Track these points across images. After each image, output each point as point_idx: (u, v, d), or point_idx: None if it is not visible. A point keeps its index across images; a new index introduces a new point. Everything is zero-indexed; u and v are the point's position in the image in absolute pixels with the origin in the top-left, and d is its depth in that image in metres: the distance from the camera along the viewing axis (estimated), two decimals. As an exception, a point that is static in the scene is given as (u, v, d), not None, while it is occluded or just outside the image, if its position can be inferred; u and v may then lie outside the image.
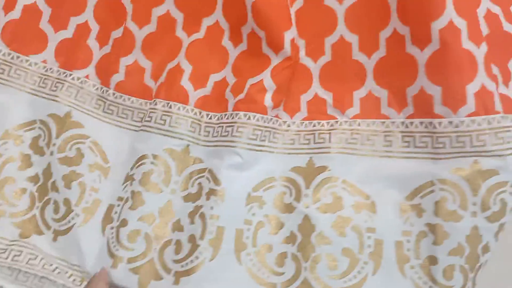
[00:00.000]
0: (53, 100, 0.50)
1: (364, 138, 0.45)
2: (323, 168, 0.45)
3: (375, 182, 0.44)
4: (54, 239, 0.46)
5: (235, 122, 0.46)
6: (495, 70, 0.44)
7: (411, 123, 0.44)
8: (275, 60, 0.47)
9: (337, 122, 0.46)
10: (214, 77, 0.50)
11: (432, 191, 0.42)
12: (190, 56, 0.49)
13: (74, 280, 0.44)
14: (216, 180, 0.45)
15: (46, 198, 0.47)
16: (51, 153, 0.48)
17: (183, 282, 0.43)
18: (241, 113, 0.46)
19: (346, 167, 0.45)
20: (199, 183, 0.46)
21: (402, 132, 0.45)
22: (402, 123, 0.45)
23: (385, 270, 0.42)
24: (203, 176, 0.46)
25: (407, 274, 0.41)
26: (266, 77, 0.47)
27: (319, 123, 0.47)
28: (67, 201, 0.47)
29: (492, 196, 0.40)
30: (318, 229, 0.43)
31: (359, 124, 0.46)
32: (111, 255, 0.44)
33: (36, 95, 0.50)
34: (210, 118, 0.49)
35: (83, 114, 0.50)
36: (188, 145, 0.48)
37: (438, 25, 0.41)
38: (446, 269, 0.40)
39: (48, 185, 0.47)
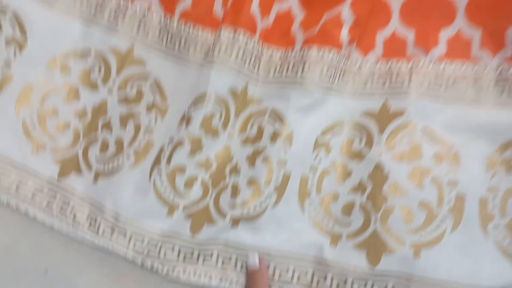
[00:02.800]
0: (113, 30, 0.45)
1: (450, 83, 0.40)
2: (399, 113, 0.40)
3: (460, 132, 0.39)
4: (94, 181, 0.42)
5: (305, 60, 0.41)
6: None
7: (508, 67, 0.39)
8: None
9: (418, 63, 0.41)
10: (278, 7, 0.45)
11: (527, 145, 0.37)
12: None
13: (103, 231, 0.41)
14: (282, 123, 0.41)
15: (93, 136, 0.44)
16: (109, 91, 0.44)
17: (242, 227, 0.40)
18: (314, 49, 0.41)
19: (426, 114, 0.40)
20: (259, 125, 0.42)
21: (495, 78, 0.39)
22: (497, 67, 0.40)
23: (465, 228, 0.38)
24: (263, 118, 0.42)
25: (490, 234, 0.37)
26: (344, 9, 0.42)
27: (397, 63, 0.42)
28: (119, 142, 0.43)
29: None
30: (391, 179, 0.39)
31: (444, 67, 0.41)
32: (165, 202, 0.41)
33: (92, 22, 0.45)
34: (272, 54, 0.44)
35: (146, 49, 0.45)
36: (247, 84, 0.43)
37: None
38: (536, 230, 0.36)
39: (98, 123, 0.44)
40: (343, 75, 0.42)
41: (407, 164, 0.39)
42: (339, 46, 0.42)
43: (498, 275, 0.37)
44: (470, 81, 0.40)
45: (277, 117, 0.41)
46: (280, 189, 0.40)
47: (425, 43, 0.42)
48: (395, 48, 0.43)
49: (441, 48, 0.41)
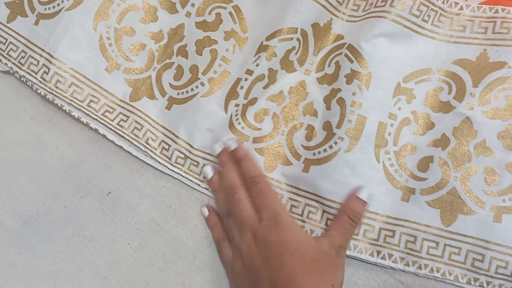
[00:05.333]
0: None
1: None
2: (500, 64, 0.36)
3: None
4: (168, 107, 0.41)
5: None
6: None
7: None
8: None
9: (530, 10, 0.36)
10: None
11: None
12: None
13: (177, 158, 0.40)
14: (361, 61, 0.38)
15: (168, 61, 0.43)
16: (188, 14, 0.43)
17: (313, 170, 0.38)
18: None
19: (532, 68, 0.36)
20: (337, 62, 0.39)
21: None
22: None
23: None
24: (341, 53, 0.39)
25: None
26: None
27: (503, 9, 0.37)
28: (194, 68, 0.42)
29: None
30: (480, 137, 0.36)
31: (561, 16, 0.36)
32: (235, 132, 0.40)
33: None
34: None
35: None
36: (331, 19, 0.40)
37: None
38: None
39: (174, 47, 0.43)
40: (439, 16, 0.38)
41: (500, 122, 0.36)
42: None
43: None
44: None
45: (357, 54, 0.38)
46: (355, 134, 0.37)
47: (542, -12, 0.37)
48: (504, -8, 0.38)
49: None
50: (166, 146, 0.40)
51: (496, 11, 0.37)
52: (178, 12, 0.43)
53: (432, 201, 0.36)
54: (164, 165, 0.41)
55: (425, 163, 0.37)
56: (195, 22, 0.43)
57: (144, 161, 0.41)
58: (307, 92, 0.40)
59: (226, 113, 0.40)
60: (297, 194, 0.38)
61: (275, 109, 0.40)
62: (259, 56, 0.40)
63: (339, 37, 0.40)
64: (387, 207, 0.37)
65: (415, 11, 0.38)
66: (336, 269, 0.34)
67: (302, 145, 0.39)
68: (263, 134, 0.40)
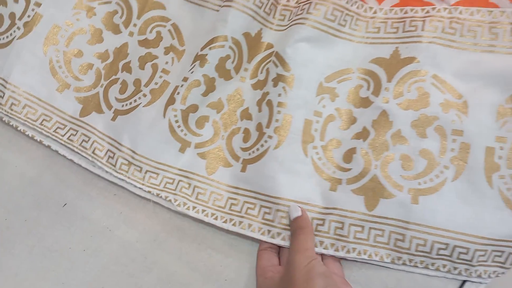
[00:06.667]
0: None
1: (465, 29, 0.39)
2: (410, 60, 0.39)
3: (472, 80, 0.38)
4: (113, 119, 0.44)
5: (312, 1, 0.41)
6: None
7: (527, 12, 0.37)
8: None
9: (434, 8, 0.40)
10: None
11: (541, 93, 0.36)
12: None
13: (121, 165, 0.43)
14: (284, 65, 0.41)
15: (114, 77, 0.46)
16: (131, 34, 0.46)
17: (249, 169, 0.41)
18: None
19: (438, 61, 0.39)
20: (267, 69, 0.43)
21: None
22: (515, 11, 0.38)
23: (468, 177, 0.37)
24: (270, 61, 0.42)
25: (494, 184, 0.36)
26: None
27: (412, 9, 0.41)
28: (137, 81, 0.45)
29: None
30: (395, 127, 0.39)
31: (460, 12, 0.39)
32: (178, 139, 0.43)
33: None
34: (288, 1, 0.44)
35: None
36: (261, 29, 0.44)
37: None
38: (543, 181, 0.35)
39: (119, 65, 0.46)
40: (356, 20, 0.42)
41: (413, 112, 0.39)
42: None
43: (499, 224, 0.36)
44: (485, 27, 0.38)
45: (281, 60, 0.41)
46: (282, 131, 0.40)
47: (443, -12, 0.40)
48: (412, -6, 0.41)
49: (459, -7, 0.40)
50: (112, 154, 0.43)
51: (406, 12, 0.41)
52: (121, 32, 0.47)
53: (357, 189, 0.39)
54: (110, 173, 0.43)
55: (349, 155, 0.40)
56: (138, 40, 0.46)
57: (95, 173, 0.44)
58: (244, 99, 0.43)
59: (164, 117, 0.43)
60: (237, 194, 0.41)
61: (215, 116, 0.43)
62: (194, 65, 0.43)
63: (269, 45, 0.44)
64: (317, 198, 0.39)
65: (329, 16, 0.41)
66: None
67: (240, 147, 0.42)
68: (204, 140, 0.43)
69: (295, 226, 0.38)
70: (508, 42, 0.38)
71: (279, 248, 0.40)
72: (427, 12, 0.40)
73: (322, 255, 0.39)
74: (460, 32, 0.39)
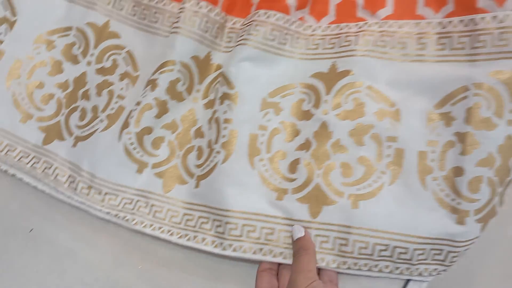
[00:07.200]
0: (91, 8, 0.50)
1: (395, 41, 0.41)
2: (346, 73, 0.42)
3: (403, 89, 0.40)
4: (74, 145, 0.46)
5: (253, 21, 0.44)
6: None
7: (450, 22, 0.39)
8: None
9: (366, 23, 0.42)
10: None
11: (465, 97, 0.38)
12: None
13: (81, 189, 0.45)
14: (229, 83, 0.43)
15: (74, 105, 0.48)
16: (88, 63, 0.49)
17: (202, 184, 0.43)
18: (261, 11, 0.44)
19: (372, 72, 0.41)
20: (216, 88, 0.45)
21: (438, 33, 0.40)
22: (439, 23, 0.40)
23: (404, 180, 0.39)
24: (219, 81, 0.45)
25: (428, 186, 0.38)
26: None
27: (346, 25, 0.43)
28: (95, 108, 0.47)
29: None
30: (335, 137, 0.41)
31: (390, 26, 0.42)
32: (135, 160, 0.45)
33: (73, 2, 0.51)
34: (234, 24, 0.47)
35: (120, 23, 0.49)
36: (209, 52, 0.46)
37: None
38: (472, 181, 0.36)
39: (78, 93, 0.48)
40: (296, 38, 0.44)
41: (350, 122, 0.41)
42: (285, 9, 0.44)
43: (435, 223, 0.37)
44: (414, 38, 0.41)
45: (226, 79, 0.44)
46: (229, 146, 0.42)
47: (373, 4, 0.43)
48: (346, 11, 0.44)
49: (387, 9, 0.42)
50: (73, 179, 0.45)
51: (341, 28, 0.43)
52: (80, 62, 0.49)
53: (302, 197, 0.40)
54: (71, 197, 0.45)
55: (294, 165, 0.42)
56: (95, 69, 0.49)
57: (58, 198, 0.46)
58: (197, 119, 0.45)
59: (119, 140, 0.44)
60: (192, 209, 0.43)
61: (170, 136, 0.45)
62: (146, 89, 0.45)
63: (219, 66, 0.46)
64: (265, 208, 0.41)
65: (268, 36, 0.43)
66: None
67: (194, 164, 0.44)
68: (161, 160, 0.45)
69: (298, 247, 0.39)
70: (435, 51, 0.40)
71: (278, 269, 0.41)
72: (360, 27, 0.42)
73: (279, 265, 0.40)
74: (391, 44, 0.41)
